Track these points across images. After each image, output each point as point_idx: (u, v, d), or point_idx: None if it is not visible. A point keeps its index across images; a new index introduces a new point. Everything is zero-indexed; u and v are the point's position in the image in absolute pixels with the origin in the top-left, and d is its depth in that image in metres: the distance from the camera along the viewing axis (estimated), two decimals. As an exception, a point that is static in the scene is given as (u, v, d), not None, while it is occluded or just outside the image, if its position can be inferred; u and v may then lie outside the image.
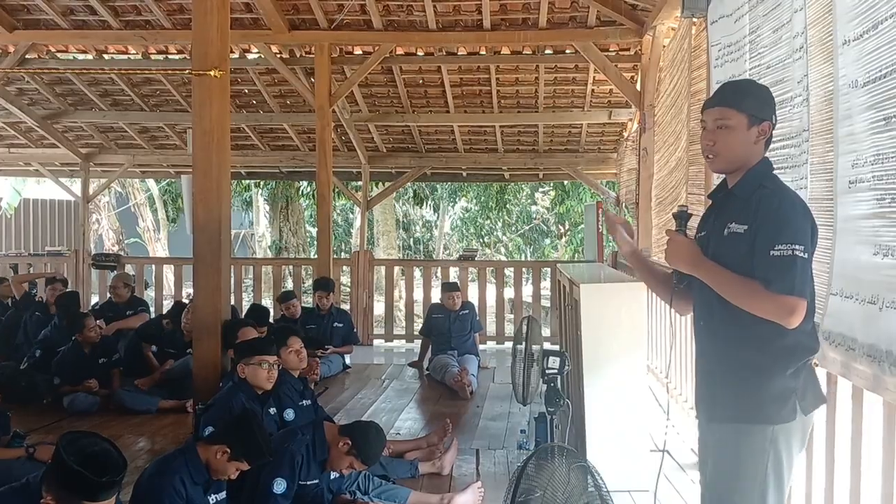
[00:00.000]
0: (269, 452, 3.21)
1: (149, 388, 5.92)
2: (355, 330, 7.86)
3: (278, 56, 7.87)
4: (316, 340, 7.04)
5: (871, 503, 2.54)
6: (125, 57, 8.44)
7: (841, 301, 2.47)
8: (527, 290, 9.43)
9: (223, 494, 3.19)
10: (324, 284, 7.56)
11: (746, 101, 2.22)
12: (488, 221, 18.49)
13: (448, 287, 7.51)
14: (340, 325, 7.52)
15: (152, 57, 8.34)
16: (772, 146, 3.12)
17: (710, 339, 2.30)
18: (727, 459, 2.24)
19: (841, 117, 2.51)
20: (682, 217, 2.35)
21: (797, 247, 2.03)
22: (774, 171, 2.28)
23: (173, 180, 14.06)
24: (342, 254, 16.90)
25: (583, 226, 15.58)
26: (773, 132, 2.29)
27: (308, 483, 3.49)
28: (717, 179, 3.96)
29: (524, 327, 4.24)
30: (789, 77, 3.00)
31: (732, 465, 2.22)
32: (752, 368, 2.16)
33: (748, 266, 2.10)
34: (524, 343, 4.05)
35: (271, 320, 7.06)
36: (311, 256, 13.67)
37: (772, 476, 2.14)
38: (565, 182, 14.73)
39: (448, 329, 7.19)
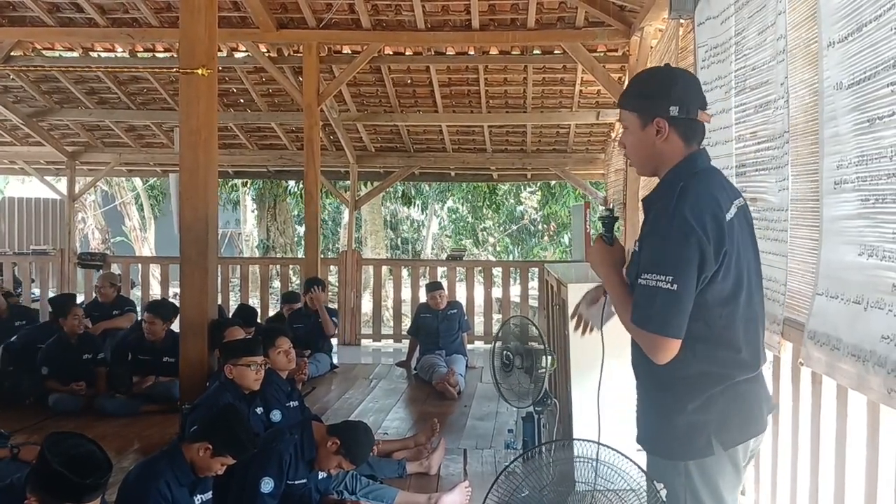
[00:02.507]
0: (252, 445, 3.17)
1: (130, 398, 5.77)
2: (335, 319, 7.75)
3: (266, 55, 7.85)
4: (304, 340, 7.04)
5: (854, 501, 2.57)
6: (112, 55, 8.38)
7: (826, 301, 2.48)
8: (515, 290, 9.45)
9: (209, 495, 3.18)
10: (315, 282, 7.53)
11: (632, 100, 2.04)
12: (476, 221, 18.49)
13: (431, 287, 7.51)
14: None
15: (139, 55, 8.29)
16: (756, 148, 3.13)
17: (632, 357, 2.20)
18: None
19: (826, 119, 2.53)
20: (606, 221, 2.21)
21: (661, 278, 1.85)
22: (706, 166, 2.05)
23: (160, 179, 13.99)
24: (330, 253, 16.86)
25: (570, 226, 15.64)
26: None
27: (296, 483, 3.48)
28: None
29: (513, 327, 4.25)
30: (773, 79, 3.02)
31: (654, 493, 2.08)
32: (653, 402, 2.06)
33: None
34: (533, 342, 4.04)
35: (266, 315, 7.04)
36: (299, 256, 13.64)
37: None
38: (551, 182, 14.77)
39: (436, 329, 7.19)
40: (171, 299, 8.04)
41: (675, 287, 1.84)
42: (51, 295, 9.41)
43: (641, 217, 2.18)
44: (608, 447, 2.76)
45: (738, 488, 2.11)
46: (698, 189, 1.95)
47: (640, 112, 2.01)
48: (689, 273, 1.86)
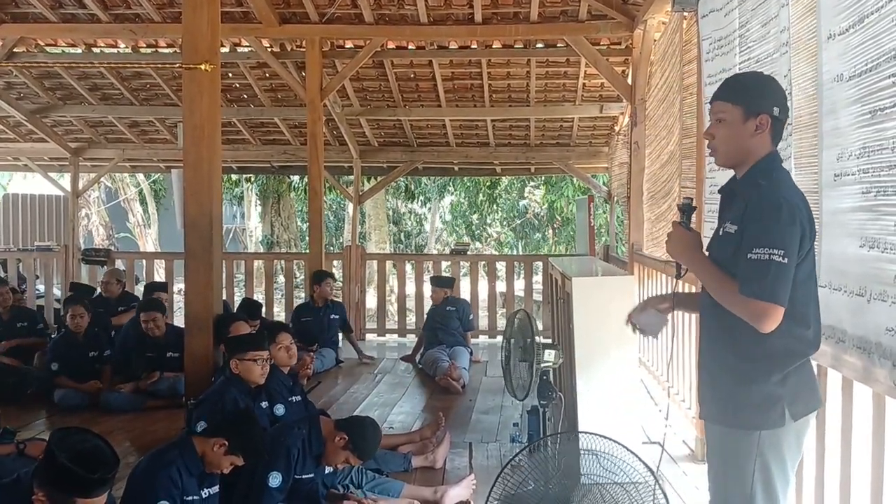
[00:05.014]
0: (264, 452, 3.25)
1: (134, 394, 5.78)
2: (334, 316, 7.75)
3: (269, 50, 7.84)
4: (311, 334, 7.09)
5: (860, 493, 2.57)
6: (114, 51, 8.38)
7: (829, 293, 2.48)
8: (518, 285, 9.43)
9: (216, 488, 3.21)
10: (321, 276, 7.55)
11: (740, 94, 2.18)
12: (478, 216, 18.48)
13: (431, 282, 7.59)
14: (336, 316, 7.52)
15: (142, 51, 8.29)
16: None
17: (705, 337, 2.31)
18: (716, 461, 2.26)
19: (825, 112, 2.52)
20: (685, 209, 2.35)
21: (774, 251, 2.00)
22: (783, 164, 2.23)
23: (163, 175, 14.00)
24: (333, 248, 16.88)
25: (572, 219, 15.63)
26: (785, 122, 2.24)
27: (303, 477, 3.50)
28: (709, 173, 3.99)
29: (515, 321, 4.25)
30: (777, 72, 3.01)
31: (720, 467, 2.23)
32: (735, 374, 2.15)
33: (736, 266, 2.09)
34: (523, 338, 4.04)
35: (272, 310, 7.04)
36: (303, 251, 13.66)
37: (759, 482, 2.11)
38: (553, 177, 14.75)
39: (431, 320, 7.27)
40: (175, 294, 8.06)
41: (785, 260, 2.01)
42: (56, 292, 9.47)
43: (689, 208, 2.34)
44: (611, 440, 2.77)
45: (796, 466, 2.22)
46: (790, 181, 2.20)
47: (746, 105, 2.16)
48: (795, 248, 2.04)
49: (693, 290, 3.25)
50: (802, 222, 2.06)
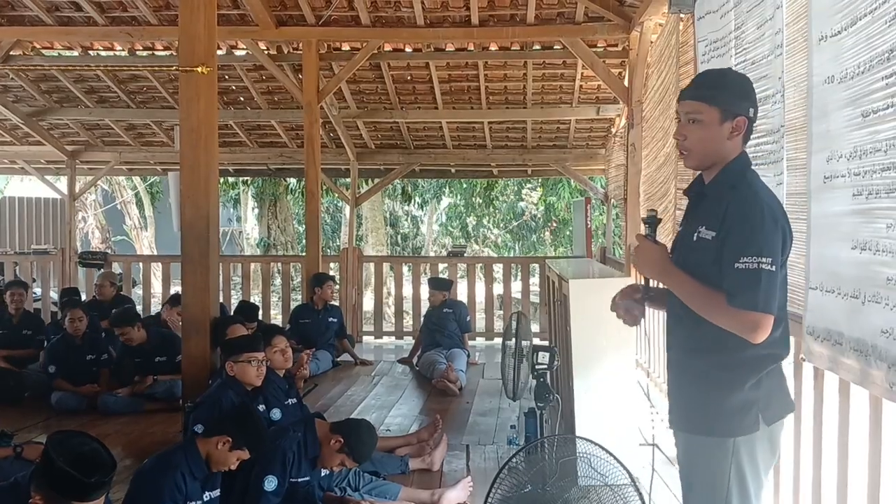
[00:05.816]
0: (267, 441, 3.29)
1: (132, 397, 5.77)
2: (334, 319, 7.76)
3: (266, 52, 7.84)
4: (309, 336, 7.06)
5: (857, 495, 2.57)
6: (111, 53, 8.38)
7: (822, 295, 2.49)
8: (516, 287, 9.45)
9: (217, 492, 3.22)
10: (322, 279, 7.55)
11: (719, 95, 2.09)
12: (474, 218, 18.48)
13: (429, 284, 7.62)
14: (334, 320, 7.52)
15: (138, 53, 8.29)
16: (755, 142, 3.14)
17: (674, 346, 2.24)
18: (689, 470, 2.21)
19: (816, 115, 2.52)
20: (650, 222, 2.28)
21: (763, 260, 1.95)
22: (753, 167, 2.18)
23: (160, 177, 13.99)
24: (329, 251, 16.87)
25: (569, 221, 15.63)
26: (756, 125, 2.18)
27: (299, 480, 3.50)
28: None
29: (513, 323, 4.26)
30: (772, 73, 3.02)
31: (693, 475, 2.19)
32: (709, 381, 2.10)
33: (716, 274, 2.03)
34: (514, 339, 4.06)
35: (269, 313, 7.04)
36: (300, 253, 13.65)
37: (735, 489, 2.07)
38: (549, 179, 14.76)
39: (427, 322, 7.27)
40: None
41: (773, 268, 1.96)
42: (52, 295, 9.46)
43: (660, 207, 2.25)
44: (598, 445, 2.78)
45: (770, 470, 2.19)
46: (763, 183, 2.15)
47: (724, 108, 2.09)
48: (779, 254, 2.01)
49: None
50: (783, 228, 2.03)
